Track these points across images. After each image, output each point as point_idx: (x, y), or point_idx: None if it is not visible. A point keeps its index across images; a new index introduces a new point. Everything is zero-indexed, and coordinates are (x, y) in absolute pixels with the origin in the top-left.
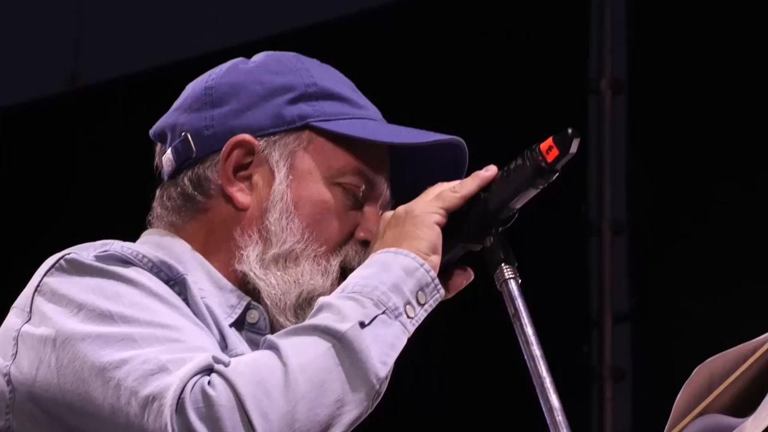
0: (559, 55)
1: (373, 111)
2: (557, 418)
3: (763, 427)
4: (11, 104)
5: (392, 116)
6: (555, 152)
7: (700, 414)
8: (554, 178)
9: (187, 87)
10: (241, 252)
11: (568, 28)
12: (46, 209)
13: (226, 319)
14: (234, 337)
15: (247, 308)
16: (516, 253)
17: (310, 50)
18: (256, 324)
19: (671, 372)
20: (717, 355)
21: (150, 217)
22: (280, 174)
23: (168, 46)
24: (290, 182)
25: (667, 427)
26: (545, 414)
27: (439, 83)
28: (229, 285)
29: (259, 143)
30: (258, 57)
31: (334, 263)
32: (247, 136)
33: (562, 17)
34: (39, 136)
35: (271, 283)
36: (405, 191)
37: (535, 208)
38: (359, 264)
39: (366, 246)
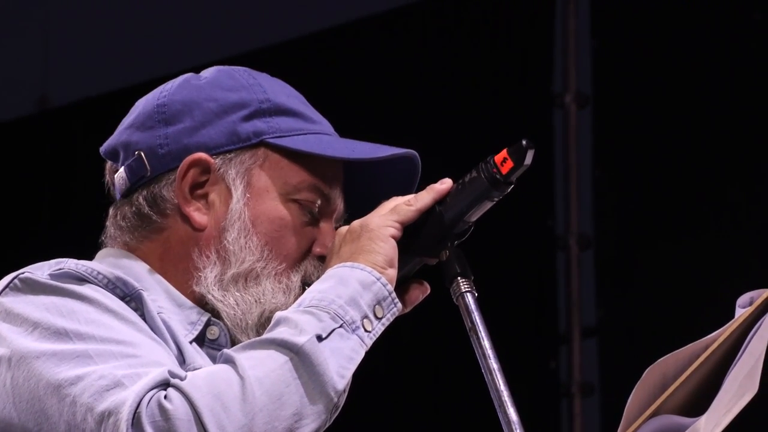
0: (524, 69)
1: (325, 125)
2: None
3: (721, 425)
4: None
5: (356, 130)
6: (510, 164)
7: (653, 414)
8: (509, 190)
9: (137, 104)
10: (199, 273)
11: (533, 42)
12: (17, 231)
13: (187, 336)
14: (193, 352)
15: (207, 324)
16: (483, 268)
17: (274, 69)
18: (217, 340)
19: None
20: (669, 355)
21: (103, 237)
22: (237, 192)
23: (133, 67)
24: (247, 200)
25: (620, 428)
26: (504, 427)
27: (405, 97)
28: (188, 302)
29: (215, 161)
30: (209, 72)
31: (295, 279)
32: (203, 155)
33: (526, 31)
34: (9, 156)
35: (230, 303)
36: (357, 201)
37: (502, 222)
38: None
39: (323, 261)
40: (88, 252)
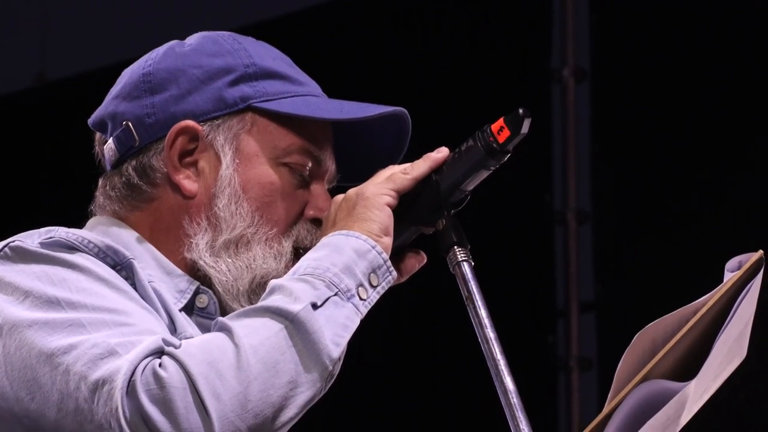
0: (522, 44)
1: (313, 86)
2: (512, 400)
3: (710, 390)
4: None
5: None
6: (506, 133)
7: (643, 379)
8: (506, 159)
9: (123, 73)
10: (191, 240)
11: (531, 16)
12: (16, 204)
13: (176, 304)
14: (183, 321)
15: (197, 293)
16: (481, 242)
17: (274, 42)
18: (206, 308)
19: None
20: (658, 320)
21: (92, 207)
22: (227, 158)
23: (129, 42)
24: (237, 166)
25: (610, 394)
26: (500, 396)
27: (402, 72)
28: (177, 270)
29: (203, 128)
30: (193, 39)
31: (287, 245)
32: (190, 122)
33: (524, 6)
34: (8, 131)
35: (222, 269)
36: (349, 161)
37: (500, 197)
38: (312, 244)
39: (317, 224)
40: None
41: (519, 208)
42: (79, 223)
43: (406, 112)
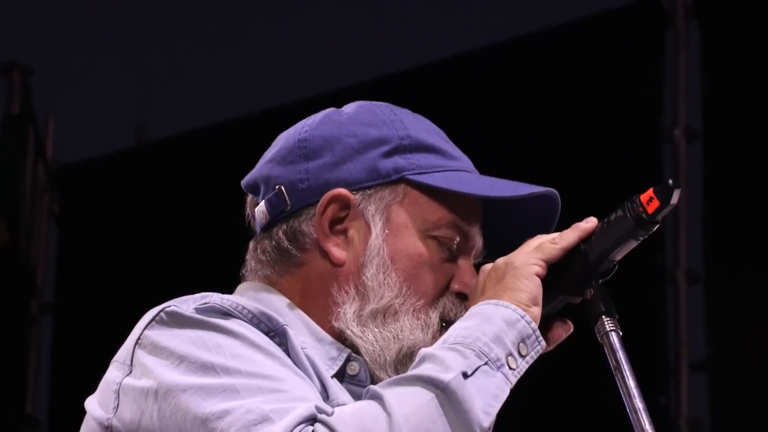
0: (634, 105)
1: (466, 162)
2: None
3: None
4: (81, 159)
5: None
6: (656, 203)
7: None
8: (654, 229)
9: (278, 137)
10: (338, 309)
11: (643, 76)
12: (120, 265)
13: (327, 371)
14: (336, 387)
15: (347, 360)
16: None
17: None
18: (357, 376)
19: (748, 422)
20: None
21: (244, 270)
22: (376, 228)
23: (232, 101)
24: (386, 236)
25: None
26: None
27: (514, 134)
28: (328, 337)
29: (355, 197)
30: (350, 108)
31: (434, 316)
32: (343, 191)
33: (636, 67)
34: (108, 191)
35: (369, 339)
36: (495, 237)
37: None
38: (457, 317)
39: (462, 298)
40: (193, 284)
41: (630, 268)
42: (172, 283)
43: (556, 192)
